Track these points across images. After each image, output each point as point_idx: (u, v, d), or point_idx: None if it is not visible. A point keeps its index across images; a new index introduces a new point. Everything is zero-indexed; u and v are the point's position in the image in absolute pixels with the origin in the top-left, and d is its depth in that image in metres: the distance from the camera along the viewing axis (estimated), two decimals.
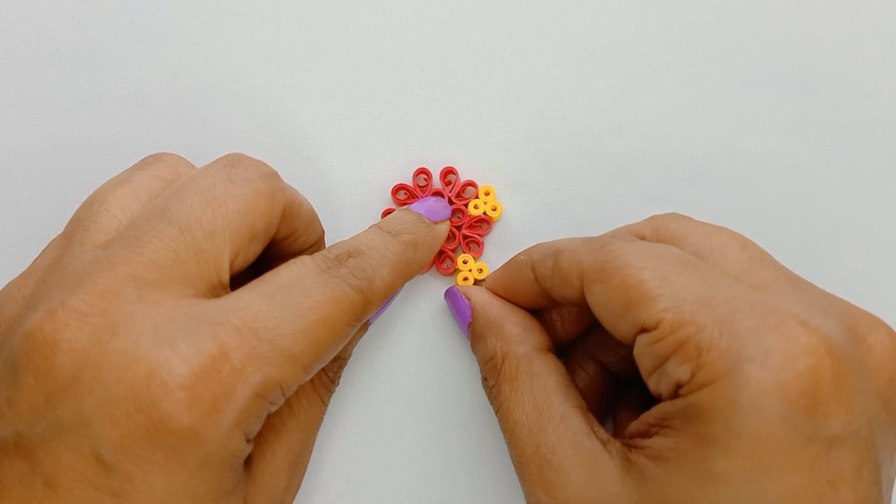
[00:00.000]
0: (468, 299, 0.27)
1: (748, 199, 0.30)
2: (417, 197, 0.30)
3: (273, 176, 0.25)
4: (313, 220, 0.26)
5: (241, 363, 0.20)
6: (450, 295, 0.28)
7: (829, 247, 0.30)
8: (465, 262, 0.29)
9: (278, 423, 0.25)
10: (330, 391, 0.27)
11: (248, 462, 0.24)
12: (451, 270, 0.29)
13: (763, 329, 0.20)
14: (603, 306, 0.22)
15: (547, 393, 0.24)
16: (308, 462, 0.27)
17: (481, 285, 0.29)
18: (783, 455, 0.19)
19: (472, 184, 0.30)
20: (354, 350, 0.29)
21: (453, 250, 0.29)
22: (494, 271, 0.28)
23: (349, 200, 0.30)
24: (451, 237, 0.29)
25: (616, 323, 0.22)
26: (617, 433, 0.28)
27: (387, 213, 0.30)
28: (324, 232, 0.27)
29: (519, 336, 0.25)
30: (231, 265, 0.23)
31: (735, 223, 0.30)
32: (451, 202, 0.29)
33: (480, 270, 0.29)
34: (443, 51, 0.30)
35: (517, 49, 0.30)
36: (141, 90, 0.30)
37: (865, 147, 0.30)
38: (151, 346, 0.20)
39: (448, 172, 0.30)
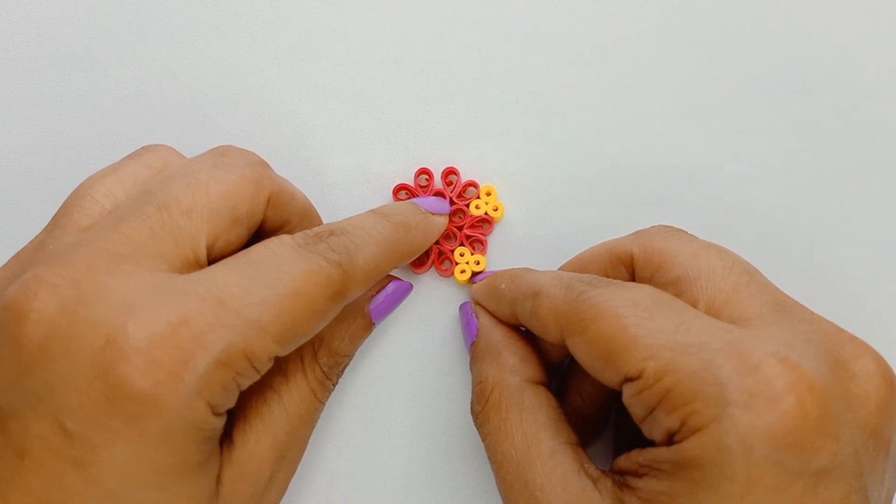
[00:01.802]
0: (477, 319, 0.27)
1: (749, 202, 0.30)
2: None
3: (260, 164, 0.25)
4: (309, 213, 0.26)
5: (202, 330, 0.20)
6: (462, 311, 0.28)
7: (830, 248, 0.30)
8: (461, 255, 0.29)
9: (265, 412, 0.25)
10: (326, 388, 0.27)
11: (229, 445, 0.24)
12: (451, 272, 0.29)
13: (743, 371, 0.20)
14: (585, 357, 0.22)
15: (537, 427, 0.23)
16: (300, 459, 0.26)
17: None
18: (773, 494, 0.19)
19: (473, 184, 0.30)
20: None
21: (453, 251, 0.29)
22: (477, 285, 0.28)
23: (350, 201, 0.30)
24: (452, 237, 0.29)
25: (600, 373, 0.22)
26: (617, 445, 0.28)
27: None
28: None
29: (514, 366, 0.25)
30: (212, 247, 0.23)
31: (735, 226, 0.30)
32: (452, 202, 0.29)
33: (478, 263, 0.29)
34: (443, 51, 0.30)
35: (518, 50, 0.30)
36: (141, 90, 0.30)
37: (865, 148, 0.30)
38: (112, 314, 0.20)
39: (449, 173, 0.30)
